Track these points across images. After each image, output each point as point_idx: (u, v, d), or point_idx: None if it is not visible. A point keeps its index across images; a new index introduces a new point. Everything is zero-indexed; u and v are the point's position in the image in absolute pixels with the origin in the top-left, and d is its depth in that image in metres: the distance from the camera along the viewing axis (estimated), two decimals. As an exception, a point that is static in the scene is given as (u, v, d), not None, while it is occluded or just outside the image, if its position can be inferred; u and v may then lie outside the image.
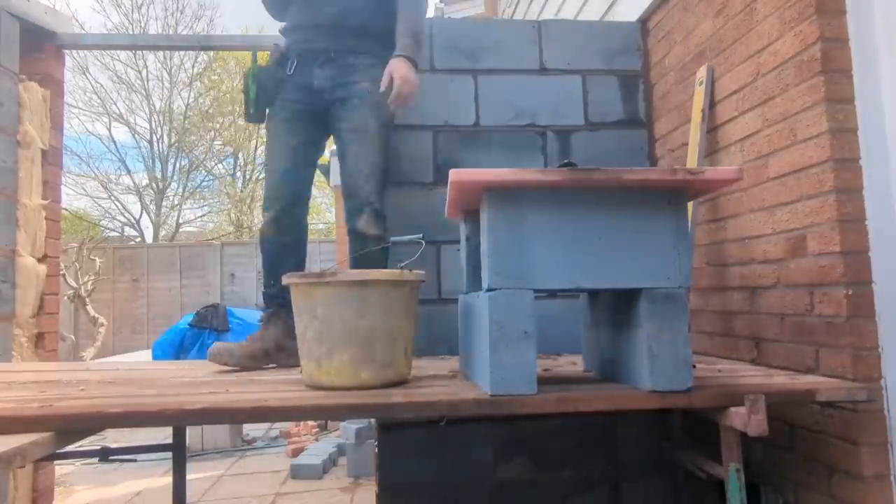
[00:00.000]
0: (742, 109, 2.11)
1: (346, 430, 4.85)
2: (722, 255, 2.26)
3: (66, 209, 14.91)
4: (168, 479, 2.57)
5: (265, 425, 6.47)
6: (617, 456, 2.38)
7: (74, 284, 8.64)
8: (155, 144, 20.20)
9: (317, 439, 5.85)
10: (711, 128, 2.30)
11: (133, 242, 18.07)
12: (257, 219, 22.22)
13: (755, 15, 2.01)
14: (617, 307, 1.70)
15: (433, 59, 2.71)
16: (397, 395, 1.58)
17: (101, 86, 20.17)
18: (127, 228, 19.84)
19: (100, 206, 19.62)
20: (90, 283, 9.08)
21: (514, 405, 1.48)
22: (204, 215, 21.88)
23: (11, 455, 1.23)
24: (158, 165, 20.19)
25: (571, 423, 2.39)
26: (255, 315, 7.72)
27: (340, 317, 1.66)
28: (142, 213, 19.97)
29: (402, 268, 1.76)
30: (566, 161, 1.75)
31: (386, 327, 1.69)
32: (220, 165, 22.04)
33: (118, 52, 17.87)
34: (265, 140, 2.57)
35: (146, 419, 1.45)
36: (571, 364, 2.17)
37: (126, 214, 20.03)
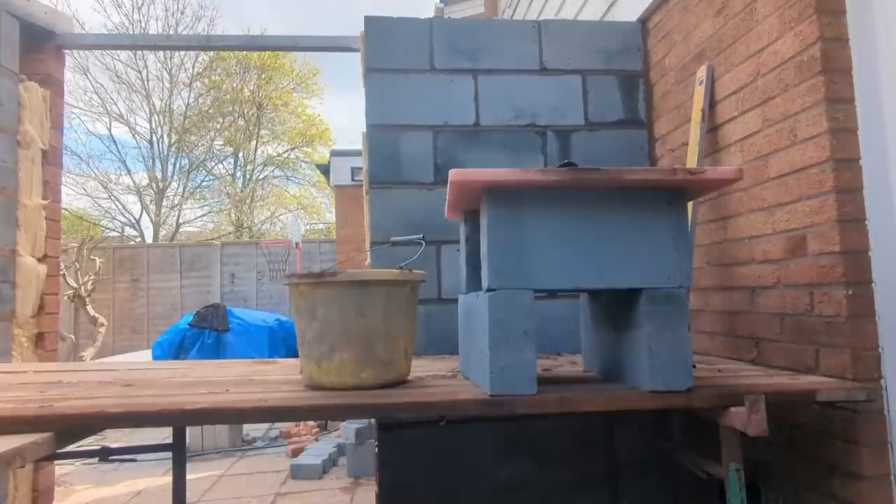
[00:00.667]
0: (742, 109, 2.11)
1: (346, 430, 4.85)
2: (722, 255, 2.26)
3: (66, 209, 14.92)
4: (168, 479, 2.57)
5: (265, 425, 6.47)
6: (617, 456, 2.38)
7: (74, 284, 8.64)
8: (155, 144, 20.22)
9: (317, 439, 5.85)
10: (711, 128, 2.30)
11: (133, 242, 18.07)
12: (257, 219, 22.23)
13: (755, 15, 2.01)
14: (617, 307, 1.70)
15: (433, 59, 2.71)
16: (397, 395, 1.58)
17: (102, 86, 20.23)
18: (127, 228, 19.85)
19: (100, 206, 19.64)
20: (90, 283, 9.08)
21: (514, 405, 1.48)
22: (204, 215, 21.90)
23: (11, 455, 1.23)
24: (158, 165, 20.20)
25: (571, 423, 2.38)
26: (255, 315, 7.73)
27: (340, 317, 1.66)
28: (142, 213, 19.98)
29: (402, 268, 1.76)
30: (566, 161, 1.75)
31: (386, 327, 1.69)
32: (220, 165, 22.05)
33: (118, 52, 17.88)
34: None
35: (146, 419, 1.45)
36: (571, 364, 2.17)
37: (126, 214, 20.05)
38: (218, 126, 21.16)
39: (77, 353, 8.49)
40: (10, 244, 3.12)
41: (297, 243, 10.30)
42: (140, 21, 19.70)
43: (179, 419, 1.54)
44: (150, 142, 20.14)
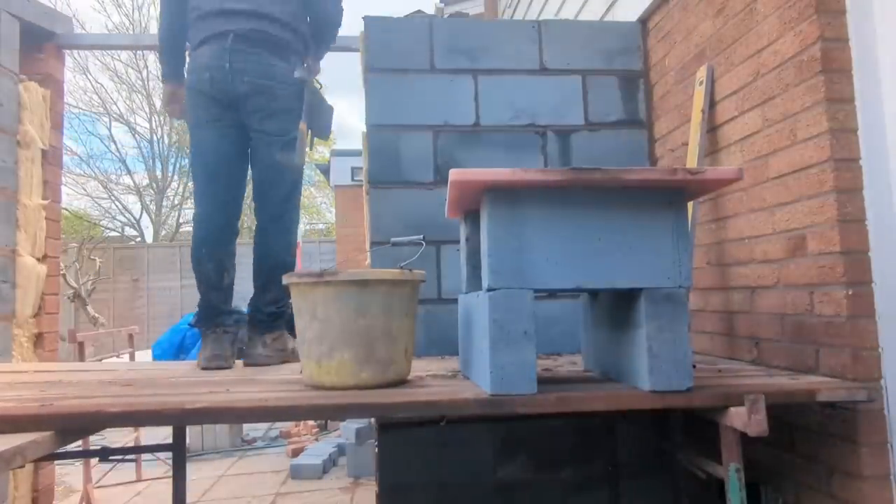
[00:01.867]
0: (742, 109, 2.11)
1: (346, 430, 4.85)
2: (722, 255, 2.26)
3: (66, 209, 14.91)
4: (168, 479, 2.57)
5: (265, 425, 6.47)
6: (617, 456, 2.38)
7: (74, 284, 8.65)
8: (155, 144, 20.21)
9: (317, 439, 5.85)
10: (711, 128, 2.30)
11: (133, 242, 18.07)
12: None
13: (755, 15, 2.01)
14: (617, 307, 1.70)
15: (433, 59, 2.71)
16: (397, 395, 1.58)
17: (102, 86, 20.21)
18: (127, 228, 19.85)
19: (100, 206, 19.64)
20: (90, 283, 9.09)
21: (514, 405, 1.48)
22: (204, 215, 21.86)
23: (11, 454, 1.23)
24: (158, 165, 20.19)
25: (571, 423, 2.38)
26: (254, 315, 7.68)
27: (340, 316, 1.66)
28: (142, 213, 19.98)
29: (402, 267, 1.76)
30: None
31: (386, 327, 1.69)
32: (219, 165, 22.02)
33: (118, 52, 17.87)
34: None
35: (146, 418, 1.45)
36: (571, 364, 2.17)
37: (126, 214, 20.04)
38: (218, 126, 21.13)
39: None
40: (10, 244, 3.12)
41: (297, 243, 10.29)
42: (140, 21, 19.72)
43: (179, 418, 1.54)
44: (150, 142, 20.14)
